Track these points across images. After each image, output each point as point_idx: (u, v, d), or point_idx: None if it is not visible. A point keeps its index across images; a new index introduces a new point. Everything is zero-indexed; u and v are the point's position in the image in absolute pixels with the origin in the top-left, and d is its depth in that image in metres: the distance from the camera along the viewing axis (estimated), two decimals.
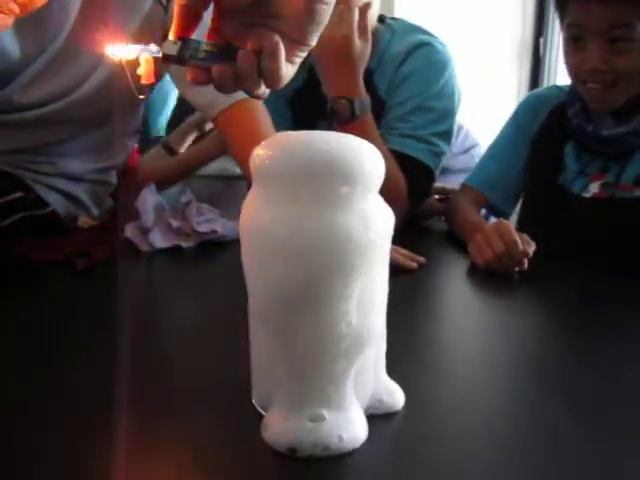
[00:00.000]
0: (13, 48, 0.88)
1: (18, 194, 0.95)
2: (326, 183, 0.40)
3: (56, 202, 1.00)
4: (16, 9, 0.58)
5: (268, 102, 1.03)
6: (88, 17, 0.90)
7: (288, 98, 1.27)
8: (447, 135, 1.15)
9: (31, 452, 0.43)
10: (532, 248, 0.87)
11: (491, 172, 1.17)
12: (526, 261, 0.86)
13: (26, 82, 0.92)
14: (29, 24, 0.83)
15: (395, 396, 0.49)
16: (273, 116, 1.02)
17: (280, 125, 1.11)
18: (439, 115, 1.13)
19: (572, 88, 1.06)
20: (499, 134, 1.19)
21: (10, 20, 0.60)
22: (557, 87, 1.16)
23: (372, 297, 0.44)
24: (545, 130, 1.11)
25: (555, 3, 1.04)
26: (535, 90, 1.35)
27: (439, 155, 1.13)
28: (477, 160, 1.49)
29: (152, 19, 0.94)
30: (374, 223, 0.42)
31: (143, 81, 0.43)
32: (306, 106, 1.22)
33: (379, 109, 1.14)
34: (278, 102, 1.24)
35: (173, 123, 2.04)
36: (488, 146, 1.21)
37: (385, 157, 1.23)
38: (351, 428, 0.44)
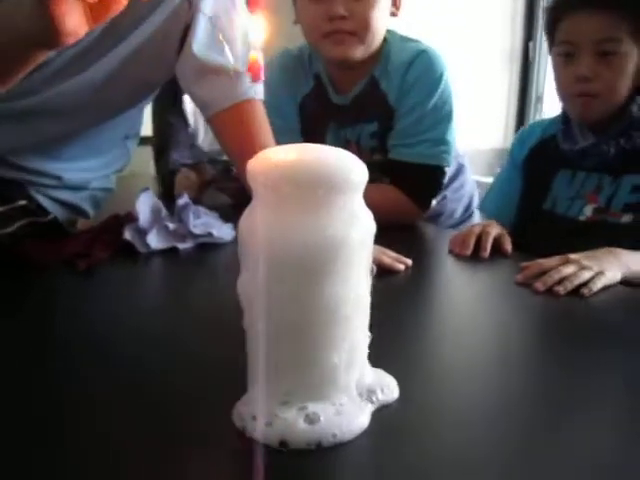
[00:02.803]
0: None
1: (22, 202, 0.97)
2: (313, 192, 0.42)
3: (55, 210, 1.03)
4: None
5: (274, 108, 1.06)
6: None
7: (297, 103, 1.32)
8: (453, 130, 1.24)
9: (31, 455, 0.43)
10: (509, 247, 0.99)
11: (491, 201, 1.28)
12: (488, 249, 0.97)
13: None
14: None
15: (390, 389, 0.49)
16: (279, 121, 1.06)
17: (287, 129, 1.18)
18: (444, 114, 1.22)
19: (558, 116, 1.14)
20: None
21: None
22: (545, 120, 1.25)
23: (359, 292, 0.45)
24: (532, 159, 1.20)
25: (546, 26, 1.10)
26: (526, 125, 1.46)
27: (449, 152, 1.23)
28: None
29: (178, 13, 0.94)
30: (360, 225, 0.44)
31: None
32: (315, 110, 1.31)
33: (389, 117, 1.23)
34: (286, 108, 1.31)
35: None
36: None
37: (383, 191, 1.26)
38: (346, 425, 0.44)
